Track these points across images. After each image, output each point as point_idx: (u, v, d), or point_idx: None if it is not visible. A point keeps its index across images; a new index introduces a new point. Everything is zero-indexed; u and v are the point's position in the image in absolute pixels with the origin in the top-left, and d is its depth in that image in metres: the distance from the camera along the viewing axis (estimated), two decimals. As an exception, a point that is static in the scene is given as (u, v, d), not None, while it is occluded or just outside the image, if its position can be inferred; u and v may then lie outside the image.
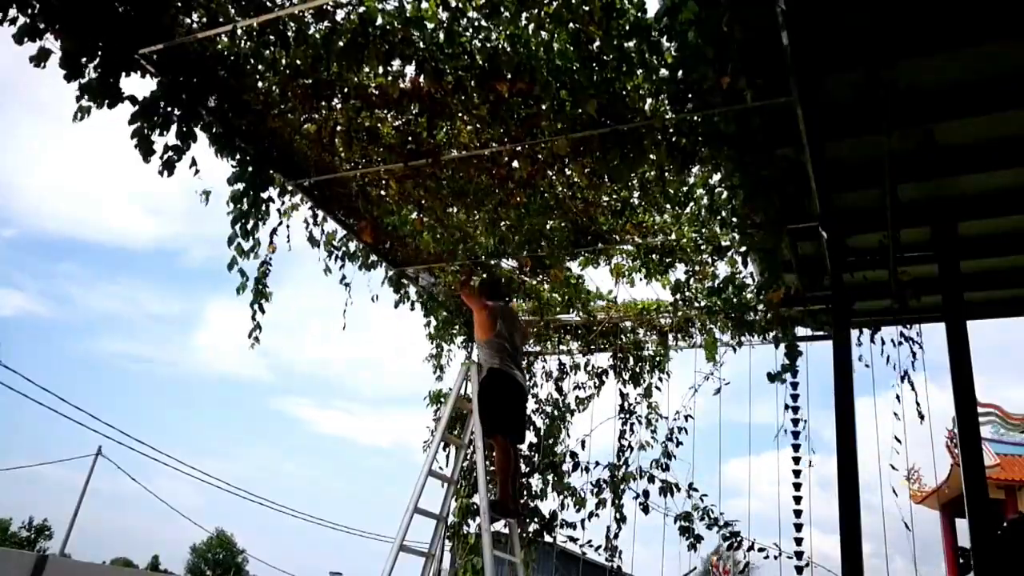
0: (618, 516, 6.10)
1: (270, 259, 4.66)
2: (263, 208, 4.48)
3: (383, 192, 5.02)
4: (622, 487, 6.13)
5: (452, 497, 5.36)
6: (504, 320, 5.19)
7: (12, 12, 3.16)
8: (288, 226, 4.78)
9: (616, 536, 6.06)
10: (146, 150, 3.70)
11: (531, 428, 6.61)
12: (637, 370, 6.58)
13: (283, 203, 4.75)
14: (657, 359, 6.55)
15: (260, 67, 3.87)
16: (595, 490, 6.23)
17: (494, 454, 5.03)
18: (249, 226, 4.40)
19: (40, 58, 3.30)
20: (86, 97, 3.46)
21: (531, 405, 6.65)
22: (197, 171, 3.99)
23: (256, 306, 4.67)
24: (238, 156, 4.27)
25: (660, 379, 6.54)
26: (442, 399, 6.43)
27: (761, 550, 5.49)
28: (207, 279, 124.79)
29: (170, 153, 3.83)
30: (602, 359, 6.76)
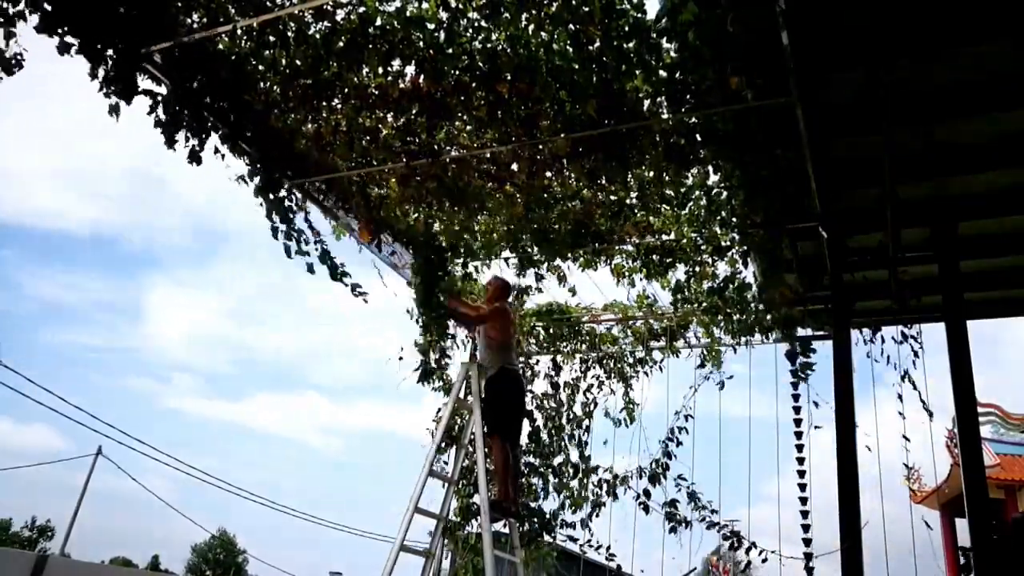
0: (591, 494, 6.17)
1: (323, 240, 4.68)
2: (290, 202, 4.53)
3: (383, 192, 5.02)
4: (598, 476, 6.24)
5: (452, 497, 5.36)
6: (511, 318, 5.24)
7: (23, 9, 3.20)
8: (309, 213, 4.77)
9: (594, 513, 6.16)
10: (169, 139, 3.78)
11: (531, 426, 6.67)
12: (620, 367, 6.68)
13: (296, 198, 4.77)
14: (640, 358, 6.64)
15: (260, 67, 3.88)
16: (595, 491, 6.24)
17: (492, 454, 5.03)
18: (279, 222, 4.44)
19: (63, 49, 3.33)
20: (109, 91, 3.51)
21: (530, 406, 6.72)
22: (223, 156, 4.06)
23: (338, 279, 4.70)
24: (243, 157, 4.30)
25: (645, 374, 6.62)
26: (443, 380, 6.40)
27: (761, 551, 5.48)
28: (150, 265, 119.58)
29: (193, 142, 3.89)
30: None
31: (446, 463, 5.67)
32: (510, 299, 5.70)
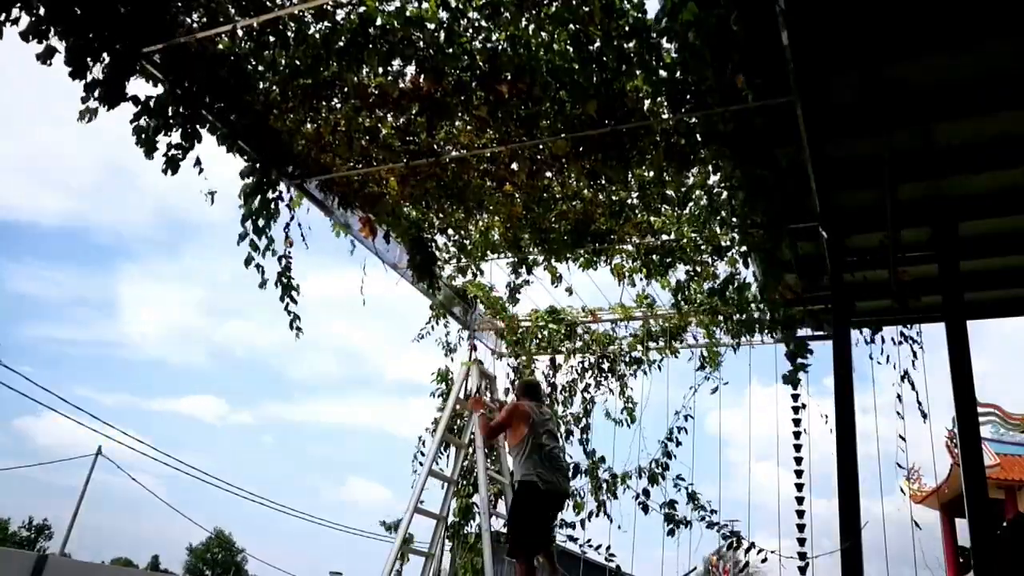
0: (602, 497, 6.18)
1: (289, 252, 4.63)
2: (273, 207, 4.44)
3: (383, 191, 5.02)
4: (601, 474, 6.25)
5: (452, 497, 5.36)
6: (538, 418, 4.71)
7: (17, 12, 3.18)
8: (293, 217, 4.70)
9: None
10: (149, 147, 3.71)
11: None
12: (616, 367, 6.71)
13: (290, 197, 4.73)
14: (636, 358, 6.66)
15: (260, 67, 3.87)
16: (594, 492, 6.25)
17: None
18: (260, 224, 4.34)
19: (45, 56, 3.30)
20: (92, 97, 3.47)
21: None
22: (201, 170, 3.99)
23: (288, 298, 4.65)
24: (244, 157, 4.28)
25: (644, 372, 6.64)
26: (449, 379, 6.43)
27: (760, 551, 5.48)
28: (121, 257, 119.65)
29: (174, 151, 3.83)
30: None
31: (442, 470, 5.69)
32: (534, 400, 5.05)
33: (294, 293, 4.66)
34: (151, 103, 3.70)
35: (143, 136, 3.69)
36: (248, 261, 4.36)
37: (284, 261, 4.59)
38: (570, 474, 4.86)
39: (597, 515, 6.20)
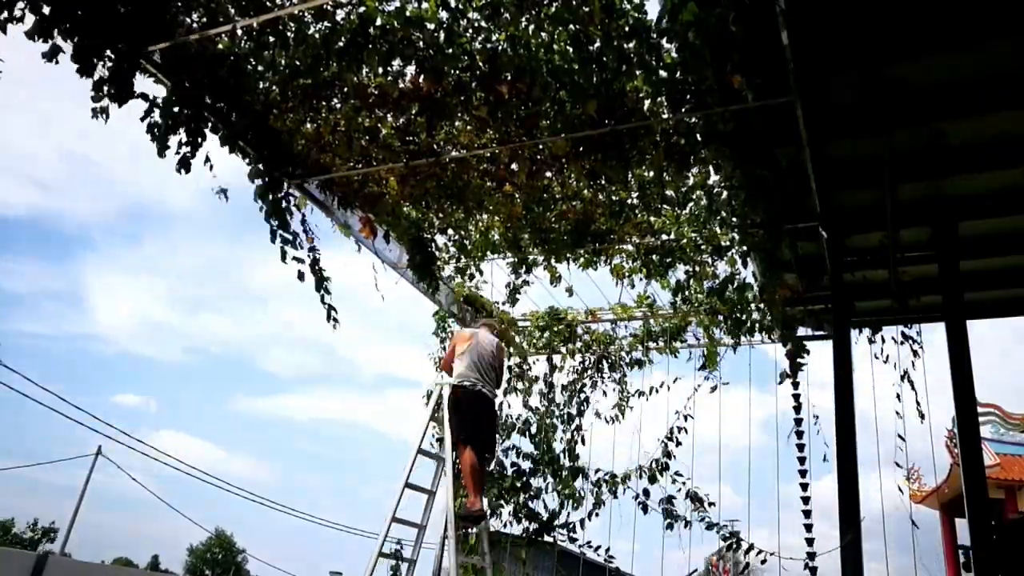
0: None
1: (316, 247, 4.66)
2: (284, 205, 4.48)
3: (383, 191, 5.02)
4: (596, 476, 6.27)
5: (431, 508, 5.51)
6: (477, 338, 5.40)
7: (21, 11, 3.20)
8: (304, 216, 4.73)
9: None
10: (161, 145, 3.75)
11: (526, 435, 6.70)
12: (617, 367, 6.72)
13: (297, 197, 4.75)
14: (637, 359, 6.67)
15: (260, 67, 3.87)
16: (594, 490, 6.25)
17: (460, 460, 5.19)
18: (277, 222, 4.38)
19: (51, 55, 3.33)
20: (102, 95, 3.50)
21: (523, 408, 6.82)
22: (212, 166, 4.01)
23: (322, 291, 4.68)
24: (244, 157, 4.29)
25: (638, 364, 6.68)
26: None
27: (759, 552, 5.48)
28: (91, 250, 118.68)
29: (185, 149, 3.86)
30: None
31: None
32: (480, 322, 5.81)
33: (327, 284, 4.70)
34: (158, 102, 3.73)
35: (155, 134, 3.73)
36: (283, 255, 4.42)
37: (313, 255, 4.62)
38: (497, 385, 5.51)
39: (598, 515, 6.21)
